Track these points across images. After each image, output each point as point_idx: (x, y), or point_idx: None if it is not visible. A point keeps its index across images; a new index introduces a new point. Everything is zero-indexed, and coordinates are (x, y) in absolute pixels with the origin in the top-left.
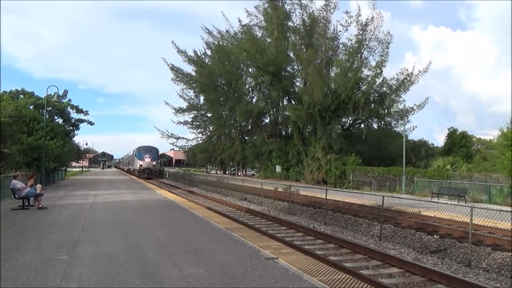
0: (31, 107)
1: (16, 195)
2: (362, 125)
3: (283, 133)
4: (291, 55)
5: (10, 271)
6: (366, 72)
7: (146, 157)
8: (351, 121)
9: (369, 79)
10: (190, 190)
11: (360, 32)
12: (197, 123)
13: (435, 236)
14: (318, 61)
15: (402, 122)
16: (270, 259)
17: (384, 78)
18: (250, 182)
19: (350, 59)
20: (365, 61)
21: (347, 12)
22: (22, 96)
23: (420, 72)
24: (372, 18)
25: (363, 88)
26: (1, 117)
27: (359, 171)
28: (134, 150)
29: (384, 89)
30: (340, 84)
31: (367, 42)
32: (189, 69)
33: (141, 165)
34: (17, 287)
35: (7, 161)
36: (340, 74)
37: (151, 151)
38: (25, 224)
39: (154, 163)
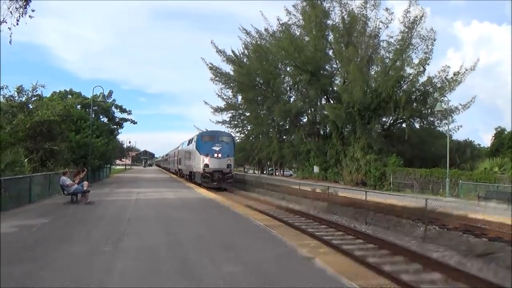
0: (79, 106)
1: (65, 191)
2: (404, 125)
3: (321, 132)
4: (330, 53)
5: (59, 260)
6: (408, 70)
7: (216, 151)
8: (392, 121)
9: (411, 77)
10: (225, 188)
11: (404, 29)
12: (235, 122)
13: (483, 238)
14: (358, 59)
15: (446, 122)
16: (307, 259)
17: (429, 77)
18: (288, 183)
19: (392, 57)
20: (407, 59)
21: (387, 9)
22: (70, 96)
23: (467, 70)
24: (419, 16)
25: (404, 86)
26: (51, 116)
27: (400, 173)
28: (191, 140)
29: (427, 87)
30: (381, 83)
31: (410, 40)
32: (228, 68)
33: (206, 165)
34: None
35: (56, 158)
36: (381, 72)
37: (223, 140)
38: (74, 217)
39: (229, 161)
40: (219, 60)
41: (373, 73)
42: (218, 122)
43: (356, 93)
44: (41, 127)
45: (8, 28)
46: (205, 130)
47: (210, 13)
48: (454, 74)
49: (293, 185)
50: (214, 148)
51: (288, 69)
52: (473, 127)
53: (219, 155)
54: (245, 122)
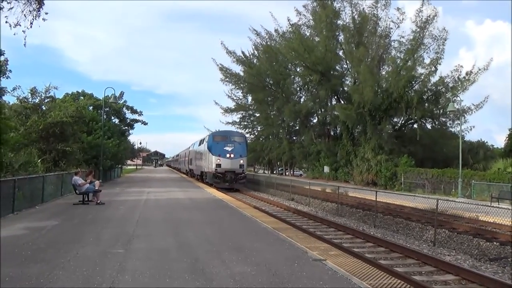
0: (90, 108)
1: (77, 191)
2: (415, 125)
3: (332, 133)
4: (340, 53)
5: (71, 262)
6: (419, 70)
7: (228, 151)
8: (403, 121)
9: (423, 77)
10: (237, 189)
11: (416, 29)
12: (245, 123)
13: (495, 243)
14: (369, 59)
15: (459, 122)
16: (318, 261)
17: (441, 77)
18: (298, 182)
19: (404, 57)
20: (419, 58)
21: (398, 9)
22: (82, 97)
23: (479, 70)
24: (431, 16)
25: (416, 86)
26: (64, 117)
27: (411, 173)
28: (203, 140)
29: (439, 87)
30: (392, 83)
31: (421, 39)
32: (238, 69)
33: (218, 165)
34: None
35: (69, 159)
36: (392, 72)
37: (236, 140)
38: (85, 218)
39: (242, 161)
40: (229, 61)
41: (384, 73)
42: (228, 123)
43: (367, 93)
44: (54, 128)
45: (23, 31)
46: (217, 130)
47: (220, 14)
48: (467, 74)
49: (302, 185)
50: (226, 148)
51: (298, 69)
52: (486, 128)
53: (232, 155)
54: (255, 123)
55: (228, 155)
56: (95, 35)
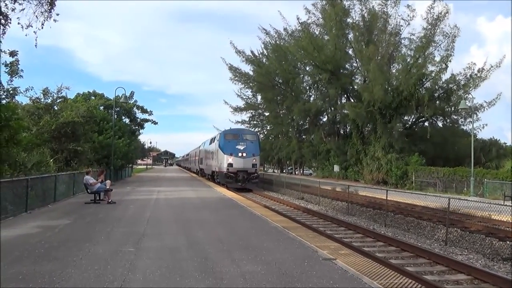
0: (101, 107)
1: (88, 190)
2: (426, 123)
3: (341, 132)
4: (350, 52)
5: (83, 260)
6: (430, 67)
7: (240, 150)
8: (414, 119)
9: (434, 75)
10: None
11: (427, 26)
12: (255, 122)
13: (508, 242)
14: (379, 57)
15: (470, 120)
16: (328, 260)
17: (452, 74)
18: (307, 181)
19: (414, 54)
20: (430, 56)
21: (408, 6)
22: (93, 97)
23: (492, 67)
24: (443, 12)
25: (427, 84)
26: (75, 117)
27: (422, 172)
28: (215, 139)
29: (450, 85)
30: (402, 81)
31: (432, 37)
32: (247, 68)
33: (230, 164)
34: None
35: (80, 158)
36: (403, 70)
37: (248, 138)
38: (96, 217)
39: (254, 160)
40: (238, 60)
41: (394, 71)
42: (237, 122)
43: (377, 91)
44: (66, 128)
45: (34, 32)
46: (228, 129)
47: (230, 14)
48: (479, 71)
49: (312, 184)
50: (238, 147)
51: (307, 68)
52: (498, 126)
53: (244, 154)
54: (265, 122)
55: (240, 154)
56: (106, 36)
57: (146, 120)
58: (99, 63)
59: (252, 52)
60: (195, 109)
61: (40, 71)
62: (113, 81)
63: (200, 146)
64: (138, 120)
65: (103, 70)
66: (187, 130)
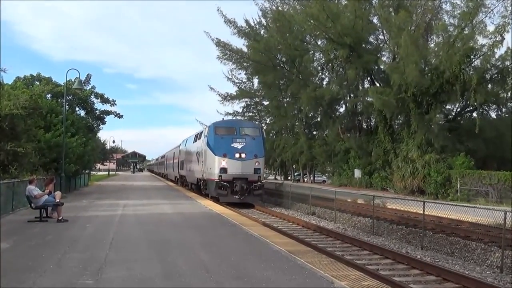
0: (48, 96)
1: (32, 204)
2: (475, 114)
3: (364, 126)
4: (374, 21)
5: None
6: (480, 40)
7: (237, 149)
8: (459, 109)
9: (485, 49)
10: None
11: None
12: (250, 113)
13: None
14: (413, 27)
15: None
16: None
17: (509, 48)
18: (320, 191)
19: (459, 23)
20: (479, 25)
21: None
22: (37, 82)
23: None
24: None
25: (476, 62)
26: (14, 109)
27: (470, 177)
28: (201, 135)
29: (507, 63)
30: (444, 58)
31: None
32: (240, 43)
33: (223, 169)
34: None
35: (21, 163)
36: (444, 44)
37: (247, 133)
38: (43, 239)
39: (257, 163)
40: (228, 33)
41: (432, 45)
42: (227, 114)
43: (410, 72)
44: (2, 123)
45: None
46: (220, 120)
47: None
48: None
49: (326, 194)
50: (235, 145)
51: (319, 42)
52: None
53: (243, 155)
54: (263, 113)
55: (237, 155)
56: (58, 4)
57: (108, 113)
58: (48, 38)
59: (246, 21)
60: (173, 97)
61: None
62: (66, 60)
63: (180, 145)
64: (97, 112)
65: (54, 47)
66: (163, 124)
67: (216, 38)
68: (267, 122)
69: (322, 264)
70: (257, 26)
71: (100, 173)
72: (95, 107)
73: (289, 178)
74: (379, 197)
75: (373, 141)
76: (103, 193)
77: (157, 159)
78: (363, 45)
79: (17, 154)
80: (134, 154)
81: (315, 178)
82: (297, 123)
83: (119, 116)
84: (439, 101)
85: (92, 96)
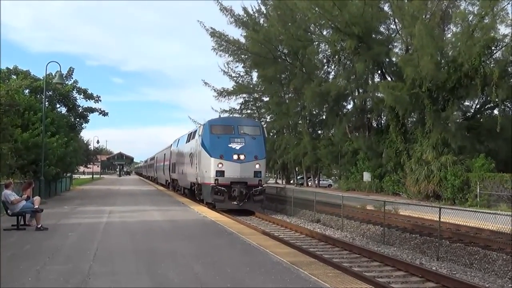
0: (26, 91)
1: (8, 211)
2: (496, 111)
3: (374, 124)
4: (386, 8)
5: None
6: (502, 29)
7: (235, 150)
8: (479, 105)
9: (507, 40)
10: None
11: None
12: (249, 110)
13: None
14: (428, 16)
15: None
16: None
17: None
18: (326, 196)
19: (479, 11)
20: (501, 13)
21: None
22: (14, 76)
23: None
24: None
25: (497, 54)
26: None
27: (491, 181)
28: (195, 134)
29: None
30: (462, 50)
31: None
32: (237, 33)
33: (220, 172)
34: None
35: None
36: (462, 34)
37: (247, 132)
38: (20, 249)
39: (258, 165)
40: (224, 22)
41: (449, 36)
42: (223, 111)
43: (426, 65)
44: None
45: None
46: (216, 118)
47: None
48: None
49: (333, 199)
50: (233, 145)
51: (324, 32)
52: None
53: (241, 157)
54: (263, 110)
55: (235, 157)
56: None
57: (92, 110)
58: (27, 27)
59: (244, 9)
60: (163, 93)
61: None
62: (46, 52)
63: (171, 146)
64: (80, 109)
65: (33, 38)
66: (152, 123)
67: (211, 28)
68: (267, 120)
69: (327, 277)
70: (256, 15)
71: (84, 176)
72: (77, 103)
73: (291, 181)
74: (391, 203)
75: (384, 141)
76: (86, 199)
77: (146, 161)
78: (373, 35)
79: None
80: (120, 155)
81: (320, 182)
82: (300, 121)
83: (104, 113)
84: (456, 97)
85: (74, 92)
